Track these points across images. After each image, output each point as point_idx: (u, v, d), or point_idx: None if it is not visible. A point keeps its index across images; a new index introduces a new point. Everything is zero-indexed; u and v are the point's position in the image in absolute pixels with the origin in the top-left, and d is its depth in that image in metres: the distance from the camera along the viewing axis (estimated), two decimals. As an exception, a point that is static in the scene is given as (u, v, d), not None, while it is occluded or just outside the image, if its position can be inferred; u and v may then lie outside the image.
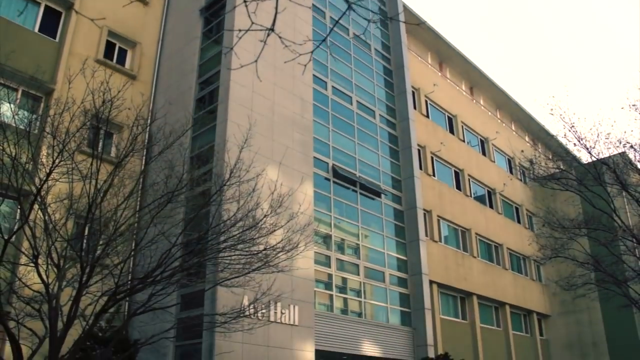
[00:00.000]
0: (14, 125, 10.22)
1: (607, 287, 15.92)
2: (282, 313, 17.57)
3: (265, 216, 9.52)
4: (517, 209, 36.16)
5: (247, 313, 12.59)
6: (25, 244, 10.93)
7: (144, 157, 11.35)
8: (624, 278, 16.00)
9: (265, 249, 9.70)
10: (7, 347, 11.47)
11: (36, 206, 10.03)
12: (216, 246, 9.45)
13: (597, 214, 15.54)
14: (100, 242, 9.99)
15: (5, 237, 9.63)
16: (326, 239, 21.38)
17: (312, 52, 5.03)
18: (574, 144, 14.82)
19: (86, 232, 9.49)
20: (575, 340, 34.68)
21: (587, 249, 16.62)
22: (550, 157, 18.65)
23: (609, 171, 15.21)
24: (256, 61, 5.03)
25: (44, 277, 9.95)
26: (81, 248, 9.29)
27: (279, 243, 10.15)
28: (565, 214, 16.26)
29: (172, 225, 9.70)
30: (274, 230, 9.94)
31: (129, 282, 9.42)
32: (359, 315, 21.90)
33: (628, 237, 15.38)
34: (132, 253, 9.61)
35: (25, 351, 9.70)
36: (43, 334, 10.01)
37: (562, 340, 35.15)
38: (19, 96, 16.91)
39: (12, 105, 11.21)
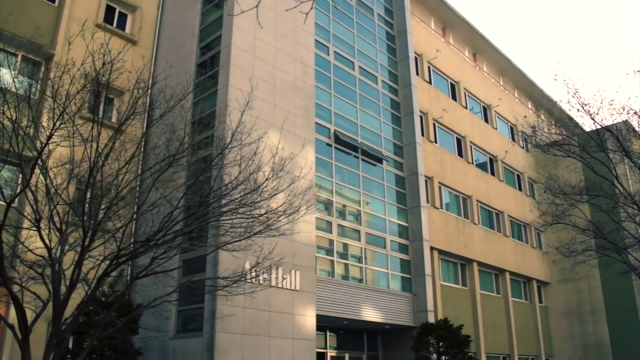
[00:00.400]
0: (14, 90, 10.13)
1: (607, 254, 15.95)
2: (283, 278, 17.67)
3: (266, 179, 9.48)
4: (518, 176, 36.12)
5: (248, 277, 12.65)
6: (28, 209, 10.93)
7: (145, 121, 11.28)
8: (624, 245, 16.01)
9: (266, 213, 9.68)
10: (12, 311, 11.55)
11: (37, 170, 9.99)
12: (218, 210, 9.43)
13: (599, 180, 15.48)
14: (102, 207, 9.98)
15: (7, 202, 9.61)
16: (327, 204, 21.40)
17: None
18: (577, 109, 14.70)
19: (88, 196, 9.45)
20: (574, 308, 34.95)
21: (588, 216, 16.61)
22: (553, 123, 18.51)
23: (612, 138, 15.11)
24: (257, 6, 4.93)
25: (47, 241, 9.96)
26: (83, 212, 9.27)
27: (280, 206, 10.13)
28: (567, 181, 16.20)
29: (174, 189, 9.68)
30: (276, 194, 9.92)
31: (131, 246, 9.42)
32: (360, 281, 22.04)
33: (629, 203, 15.34)
34: (134, 217, 9.59)
35: (29, 314, 9.77)
36: (46, 298, 10.06)
37: (561, 307, 35.42)
38: (18, 60, 16.79)
39: (11, 69, 11.10)
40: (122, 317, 11.42)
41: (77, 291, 9.92)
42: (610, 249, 15.79)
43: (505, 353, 29.93)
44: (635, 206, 15.15)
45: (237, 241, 10.05)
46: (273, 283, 17.32)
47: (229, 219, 9.54)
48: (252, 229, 9.93)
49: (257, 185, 9.22)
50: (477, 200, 30.53)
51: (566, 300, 35.35)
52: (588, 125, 16.20)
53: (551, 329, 35.16)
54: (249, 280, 14.93)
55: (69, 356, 13.24)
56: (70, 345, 14.91)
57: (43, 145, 9.18)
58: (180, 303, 17.12)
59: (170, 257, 9.67)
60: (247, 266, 13.35)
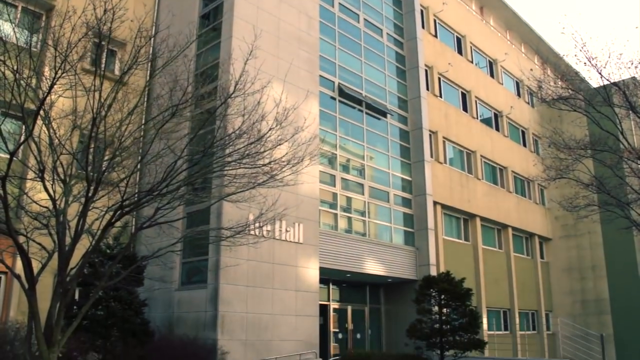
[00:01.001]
0: (14, 41, 9.98)
1: (609, 209, 15.91)
2: (287, 231, 17.76)
3: (270, 129, 9.39)
4: (523, 132, 35.93)
5: (252, 228, 12.69)
6: (32, 161, 10.91)
7: (147, 71, 11.14)
8: (626, 200, 15.96)
9: (270, 163, 9.63)
10: (18, 262, 11.63)
11: (40, 122, 9.92)
12: (221, 160, 9.39)
13: (604, 135, 15.35)
14: (105, 158, 9.94)
15: (10, 152, 9.57)
16: (331, 158, 21.37)
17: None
18: (585, 63, 14.50)
19: (91, 147, 9.40)
20: (575, 264, 35.19)
21: (592, 171, 16.54)
22: (559, 77, 18.29)
23: (619, 93, 14.92)
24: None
25: (51, 192, 9.96)
26: (86, 162, 9.23)
27: (283, 156, 10.07)
28: (571, 135, 16.09)
29: (177, 139, 9.62)
30: (280, 144, 9.86)
31: (135, 196, 9.40)
32: (363, 234, 22.15)
33: (633, 159, 15.22)
34: (138, 167, 9.56)
35: (35, 265, 9.82)
36: (52, 249, 10.11)
37: (562, 263, 35.67)
38: (18, 12, 16.57)
39: (11, 19, 10.93)
40: (127, 268, 11.51)
41: (82, 242, 9.96)
42: (613, 205, 15.75)
43: (505, 307, 30.27)
44: (639, 161, 15.02)
45: (240, 192, 10.04)
46: (276, 235, 17.42)
47: (232, 169, 9.50)
48: (255, 180, 9.91)
49: (260, 135, 9.15)
50: (481, 156, 30.45)
51: (567, 256, 35.57)
52: (595, 81, 16.03)
53: (552, 284, 35.48)
54: (253, 232, 15.03)
55: (75, 307, 13.42)
56: (77, 297, 15.13)
57: (45, 94, 9.08)
58: (184, 255, 17.27)
59: (174, 207, 9.68)
60: (251, 217, 13.40)
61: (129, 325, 14.09)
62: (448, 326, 15.13)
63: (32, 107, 9.89)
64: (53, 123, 10.17)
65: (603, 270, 34.04)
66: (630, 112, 15.17)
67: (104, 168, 9.73)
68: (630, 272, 32.46)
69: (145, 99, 10.67)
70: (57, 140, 10.06)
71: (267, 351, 16.58)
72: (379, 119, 24.09)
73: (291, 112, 10.46)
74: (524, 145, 35.73)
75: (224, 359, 15.39)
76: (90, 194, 9.42)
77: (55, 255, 9.91)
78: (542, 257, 35.35)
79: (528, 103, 37.22)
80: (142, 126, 10.08)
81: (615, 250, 33.13)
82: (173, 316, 17.24)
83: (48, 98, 9.47)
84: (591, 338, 28.97)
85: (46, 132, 10.13)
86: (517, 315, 30.48)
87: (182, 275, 17.79)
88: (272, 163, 9.79)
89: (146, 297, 15.82)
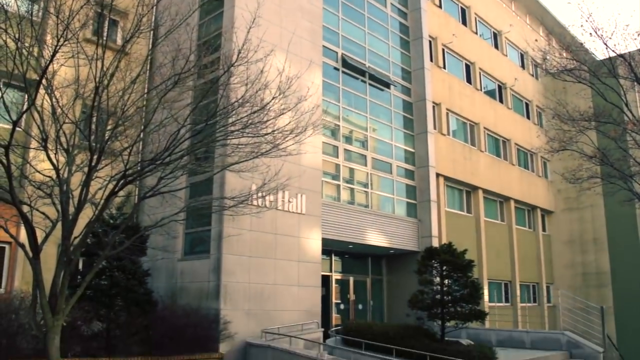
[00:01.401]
0: (15, 10, 9.87)
1: (612, 181, 15.87)
2: (289, 201, 17.79)
3: (273, 98, 9.33)
4: (527, 104, 35.73)
5: (255, 198, 12.70)
6: (35, 131, 10.88)
7: (150, 40, 11.05)
8: (629, 173, 15.92)
9: (273, 131, 9.59)
10: (22, 232, 11.68)
11: (42, 91, 9.88)
12: (224, 129, 9.35)
13: (608, 107, 15.24)
14: (108, 127, 9.92)
15: (13, 121, 9.54)
16: (334, 129, 21.31)
17: None
18: (590, 34, 14.35)
19: (94, 116, 9.36)
20: (577, 236, 35.27)
21: (595, 143, 16.48)
22: (564, 48, 18.12)
23: (624, 64, 14.79)
24: None
25: (54, 161, 9.96)
26: (89, 131, 9.21)
27: (286, 125, 10.03)
28: (576, 106, 15.99)
29: (180, 109, 9.57)
30: (283, 113, 9.80)
31: (139, 165, 9.38)
32: (366, 206, 22.18)
33: (638, 131, 15.13)
34: (141, 136, 9.53)
35: (39, 234, 9.86)
36: (55, 218, 10.14)
37: (564, 236, 35.75)
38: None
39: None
40: (130, 238, 11.55)
41: (85, 212, 9.99)
42: (616, 177, 15.70)
43: (507, 279, 30.44)
44: (640, 133, 14.90)
45: (243, 162, 10.02)
46: (279, 206, 17.45)
47: (235, 139, 9.47)
48: (259, 149, 9.88)
49: (263, 104, 9.09)
50: (485, 128, 30.33)
51: (569, 229, 35.64)
52: (600, 52, 15.86)
53: (553, 257, 35.61)
54: (255, 202, 15.05)
55: (79, 277, 13.50)
56: (81, 267, 15.23)
57: (47, 62, 9.02)
58: (187, 225, 17.34)
59: (177, 177, 9.67)
60: (254, 188, 13.40)
61: (133, 295, 14.19)
62: (449, 297, 15.20)
63: (35, 77, 9.84)
64: (55, 92, 10.13)
65: (604, 243, 34.13)
66: (635, 83, 15.04)
67: (106, 137, 9.71)
68: (632, 245, 32.55)
69: (148, 68, 10.59)
70: (59, 109, 10.03)
71: (269, 321, 16.71)
72: (382, 90, 23.96)
73: (294, 81, 10.38)
74: (528, 117, 35.55)
75: (226, 329, 15.52)
76: (93, 164, 9.41)
77: (59, 225, 9.95)
78: (544, 229, 35.42)
79: (532, 75, 36.94)
80: (145, 95, 10.02)
81: (617, 223, 33.18)
82: (176, 286, 17.35)
83: (50, 67, 9.42)
84: (591, 310, 29.13)
85: (49, 101, 10.09)
86: (518, 287, 30.66)
87: (185, 246, 17.87)
88: (275, 132, 9.75)
89: (149, 267, 15.92)
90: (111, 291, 13.95)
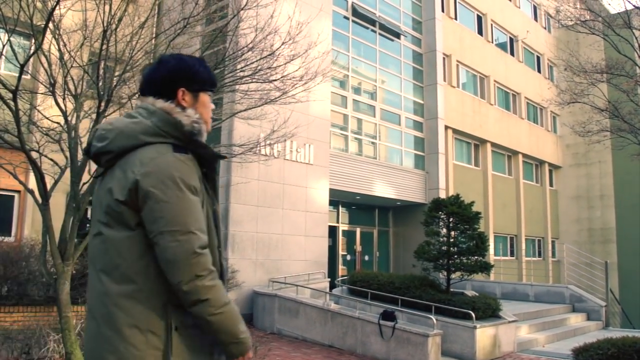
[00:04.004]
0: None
1: (622, 135, 15.73)
2: (297, 151, 17.74)
3: (283, 43, 9.17)
4: (538, 57, 35.21)
5: (263, 145, 12.65)
6: (42, 77, 10.77)
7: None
8: (636, 127, 15.74)
9: (282, 77, 9.44)
10: (31, 179, 11.67)
11: (49, 35, 9.73)
12: (233, 74, 9.21)
13: (621, 60, 14.99)
14: (116, 73, 9.80)
15: (21, 64, 9.42)
16: (343, 80, 21.10)
17: None
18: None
19: (102, 60, 9.23)
20: (584, 192, 35.20)
21: (606, 96, 16.29)
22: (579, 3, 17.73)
23: (639, 15, 14.49)
24: None
25: (62, 106, 9.88)
26: (97, 76, 9.10)
27: (296, 71, 9.88)
28: (588, 58, 15.73)
29: (189, 55, 9.43)
30: (292, 60, 9.65)
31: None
32: (374, 157, 22.12)
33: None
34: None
35: (48, 181, 9.84)
36: (64, 165, 10.11)
37: (571, 191, 35.69)
38: None
39: None
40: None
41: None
42: (626, 130, 15.55)
43: (512, 234, 30.54)
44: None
45: (252, 108, 9.92)
46: (287, 156, 17.41)
47: (244, 84, 9.34)
48: (268, 96, 9.77)
49: (273, 50, 8.93)
50: (495, 81, 29.99)
51: (576, 185, 35.57)
52: (615, 3, 15.52)
53: (559, 212, 35.64)
54: (263, 149, 15.02)
55: (88, 225, 13.57)
56: (90, 216, 15.28)
57: (54, 5, 8.86)
58: (195, 174, 17.33)
59: (186, 123, 9.59)
60: (262, 136, 13.32)
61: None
62: (455, 249, 15.21)
63: (41, 23, 9.68)
64: (63, 37, 9.98)
65: (611, 199, 34.10)
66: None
67: (114, 83, 9.60)
68: (638, 202, 32.51)
69: (156, 13, 10.40)
70: (67, 54, 9.90)
71: (276, 270, 16.87)
72: (392, 40, 23.61)
73: (304, 26, 10.18)
74: (539, 71, 35.09)
75: (234, 277, 15.67)
76: (101, 110, 9.33)
77: (67, 173, 9.93)
78: (551, 184, 35.36)
79: (545, 28, 36.31)
80: (153, 40, 9.86)
81: (625, 180, 33.07)
82: (184, 235, 17.44)
83: (57, 10, 9.26)
84: (596, 265, 29.30)
85: (56, 46, 9.96)
86: (523, 241, 30.79)
87: (193, 195, 17.91)
88: (284, 79, 9.61)
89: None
90: (120, 238, 14.01)
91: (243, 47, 9.03)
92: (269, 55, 8.97)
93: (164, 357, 2.25)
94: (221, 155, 2.52)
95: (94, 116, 9.84)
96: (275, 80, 9.28)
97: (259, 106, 10.04)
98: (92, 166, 10.19)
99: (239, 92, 9.89)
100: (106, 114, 9.73)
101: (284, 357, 11.77)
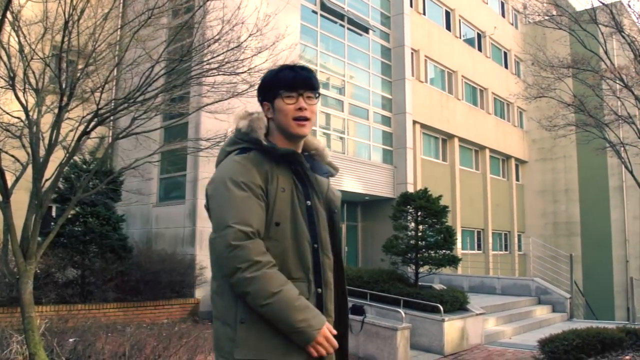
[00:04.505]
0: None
1: (588, 129, 15.96)
2: (265, 147, 17.60)
3: (250, 35, 9.04)
4: (505, 53, 35.57)
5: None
6: (1, 69, 10.48)
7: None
8: (605, 121, 16.01)
9: (249, 70, 9.31)
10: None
11: (8, 27, 9.46)
12: (199, 67, 9.05)
13: (587, 55, 15.20)
14: (79, 66, 9.57)
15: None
16: (311, 75, 21.00)
17: None
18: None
19: (64, 51, 8.98)
20: (549, 187, 35.73)
21: (572, 91, 16.51)
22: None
23: (605, 11, 14.68)
24: None
25: (23, 100, 9.62)
26: (59, 69, 8.86)
27: (263, 63, 9.75)
28: (556, 52, 15.92)
29: (154, 47, 9.23)
30: (260, 52, 9.53)
31: (111, 102, 9.07)
32: (342, 152, 22.10)
33: (614, 79, 15.14)
34: (114, 73, 9.19)
35: (9, 178, 9.59)
36: (25, 161, 9.86)
37: (537, 185, 36.19)
38: None
39: None
40: (108, 184, 11.33)
41: (57, 155, 9.72)
42: (592, 125, 15.78)
43: (479, 228, 30.84)
44: (620, 82, 14.96)
45: (219, 101, 9.79)
46: (255, 151, 17.26)
47: (211, 76, 9.19)
48: (235, 89, 9.64)
49: (240, 42, 8.80)
50: (462, 76, 30.22)
51: (542, 179, 36.08)
52: (580, 2, 15.74)
53: (525, 206, 36.12)
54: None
55: (52, 223, 13.30)
56: (55, 214, 15.01)
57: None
58: (162, 170, 17.14)
59: (151, 117, 9.41)
60: (230, 130, 13.16)
61: (107, 241, 14.05)
62: (424, 242, 15.28)
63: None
64: (23, 28, 9.72)
65: (576, 193, 34.67)
66: (616, 31, 14.95)
67: (77, 76, 9.38)
68: (601, 196, 33.14)
69: (121, 3, 10.20)
70: (27, 46, 9.64)
71: (245, 266, 16.71)
72: (360, 35, 23.60)
73: (271, 18, 10.07)
74: (506, 67, 35.46)
75: (202, 274, 15.53)
76: (63, 104, 9.11)
77: (30, 170, 9.68)
78: (517, 179, 35.81)
79: (512, 24, 36.69)
80: (118, 31, 9.64)
81: (589, 174, 33.67)
82: (151, 232, 17.26)
83: (16, 0, 9.01)
84: (561, 258, 29.79)
85: (15, 38, 9.69)
86: (490, 235, 31.12)
87: (160, 191, 17.71)
88: (252, 71, 9.49)
89: (124, 214, 15.77)
90: (85, 237, 13.80)
91: (210, 39, 8.88)
92: (235, 47, 8.83)
93: (234, 348, 2.38)
94: (289, 150, 2.55)
95: (56, 111, 9.62)
96: (242, 72, 9.15)
97: (226, 99, 9.90)
98: (54, 163, 9.95)
99: (205, 86, 9.75)
100: (69, 109, 9.51)
101: (253, 354, 11.66)
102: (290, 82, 2.60)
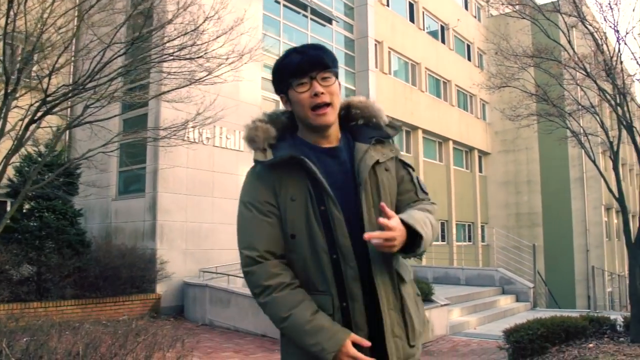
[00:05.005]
0: None
1: (551, 119, 15.97)
2: (227, 138, 17.30)
3: (207, 18, 8.69)
4: (468, 46, 35.72)
5: (190, 129, 12.21)
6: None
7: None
8: (569, 110, 16.03)
9: (205, 53, 8.96)
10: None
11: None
12: (155, 52, 8.69)
13: (551, 44, 15.18)
14: (27, 50, 9.13)
15: None
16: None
17: None
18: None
19: (9, 32, 8.52)
20: (512, 178, 36.08)
21: (536, 80, 16.53)
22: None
23: (568, 2, 14.68)
24: None
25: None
26: (3, 54, 8.42)
27: (221, 47, 9.43)
28: (520, 41, 15.91)
29: (106, 32, 8.84)
30: (217, 37, 9.19)
31: (60, 88, 8.63)
32: (306, 144, 21.87)
33: (577, 68, 15.13)
34: (64, 58, 8.77)
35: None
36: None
37: (500, 177, 36.51)
38: None
39: None
40: (60, 176, 10.89)
41: (5, 145, 9.27)
42: (555, 115, 15.79)
43: (444, 219, 30.94)
44: (583, 71, 14.95)
45: (176, 89, 9.45)
46: (217, 143, 16.96)
47: (165, 61, 8.83)
48: (192, 76, 9.31)
49: (197, 25, 8.46)
50: (426, 68, 30.22)
51: (505, 171, 36.41)
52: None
53: (488, 197, 36.42)
54: (192, 134, 14.56)
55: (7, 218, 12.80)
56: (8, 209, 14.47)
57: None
58: (121, 163, 16.68)
59: (104, 105, 9.01)
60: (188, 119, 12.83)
61: (64, 236, 13.61)
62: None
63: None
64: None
65: (538, 185, 35.10)
66: (579, 22, 14.93)
67: (24, 62, 8.94)
68: (563, 187, 33.59)
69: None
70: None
71: (207, 260, 16.42)
72: (324, 25, 23.36)
73: (229, 2, 9.75)
74: (469, 59, 35.61)
75: (163, 269, 15.18)
76: (9, 91, 8.67)
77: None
78: (480, 171, 36.06)
79: (475, 17, 36.86)
80: (69, 14, 9.20)
81: (550, 165, 34.09)
82: (111, 226, 16.81)
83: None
84: (524, 248, 30.04)
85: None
86: (454, 226, 31.27)
87: (120, 185, 17.26)
88: (209, 57, 9.16)
89: (82, 208, 15.31)
90: (41, 233, 13.35)
91: (165, 23, 8.52)
92: (192, 31, 8.50)
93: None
94: (294, 156, 2.28)
95: (1, 98, 9.17)
96: (198, 57, 8.82)
97: (183, 87, 9.57)
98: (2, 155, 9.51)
99: (162, 73, 9.40)
100: (16, 96, 9.07)
101: (216, 349, 11.41)
102: (297, 67, 2.32)
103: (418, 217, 2.37)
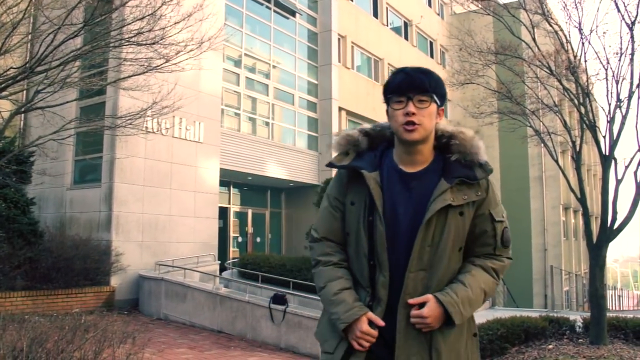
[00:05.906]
0: None
1: (513, 117, 16.08)
2: (187, 129, 17.00)
3: (164, 2, 8.41)
4: (431, 43, 35.87)
5: (148, 118, 11.91)
6: None
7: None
8: (531, 109, 16.16)
9: (162, 39, 8.69)
10: None
11: None
12: (108, 36, 8.37)
13: (515, 42, 15.26)
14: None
15: None
16: (236, 58, 20.45)
17: None
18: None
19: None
20: (472, 176, 36.39)
21: (499, 78, 16.62)
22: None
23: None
24: None
25: None
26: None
27: (179, 33, 9.16)
28: (484, 38, 15.96)
29: (61, 14, 8.48)
30: (176, 23, 8.92)
31: (20, 68, 8.25)
32: (267, 137, 21.68)
33: (543, 66, 15.24)
34: (13, 40, 8.40)
35: None
36: None
37: (459, 175, 36.77)
38: None
39: None
40: (11, 164, 10.51)
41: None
42: (517, 113, 15.90)
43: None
44: (547, 69, 15.07)
45: (133, 76, 9.15)
46: (176, 134, 16.66)
47: (120, 46, 8.52)
48: (150, 63, 9.03)
49: (155, 9, 8.18)
50: (389, 64, 30.18)
51: (465, 169, 36.69)
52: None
53: (448, 195, 36.67)
54: (150, 123, 14.24)
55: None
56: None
57: None
58: (77, 152, 16.24)
59: (56, 90, 8.67)
60: (148, 112, 12.52)
61: (15, 225, 13.15)
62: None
63: None
64: None
65: (497, 183, 35.09)
66: (543, 19, 15.04)
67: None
68: (522, 186, 34.07)
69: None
70: None
71: (163, 253, 16.12)
72: (287, 18, 23.15)
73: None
74: (432, 56, 35.75)
75: (118, 261, 14.84)
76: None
77: None
78: (440, 168, 36.26)
79: (438, 14, 37.04)
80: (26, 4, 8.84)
81: (511, 164, 34.46)
82: (65, 216, 16.36)
83: None
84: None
85: None
86: (415, 224, 31.38)
87: (75, 174, 16.80)
88: (167, 44, 8.90)
89: (35, 196, 14.85)
90: (-9, 221, 12.89)
91: (119, 5, 8.22)
92: (149, 15, 8.21)
93: None
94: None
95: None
96: (155, 43, 8.55)
97: (140, 74, 9.27)
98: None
99: (118, 59, 9.09)
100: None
101: (170, 345, 11.16)
102: (397, 86, 2.52)
103: (462, 295, 2.50)
